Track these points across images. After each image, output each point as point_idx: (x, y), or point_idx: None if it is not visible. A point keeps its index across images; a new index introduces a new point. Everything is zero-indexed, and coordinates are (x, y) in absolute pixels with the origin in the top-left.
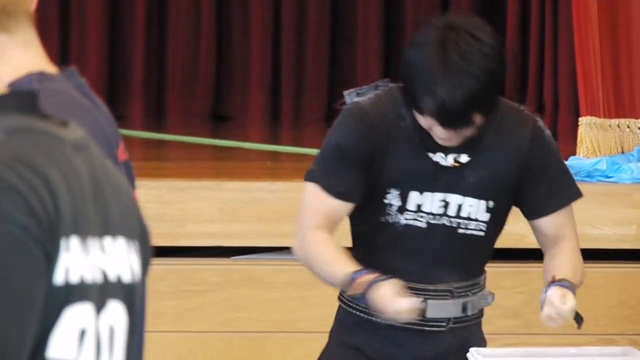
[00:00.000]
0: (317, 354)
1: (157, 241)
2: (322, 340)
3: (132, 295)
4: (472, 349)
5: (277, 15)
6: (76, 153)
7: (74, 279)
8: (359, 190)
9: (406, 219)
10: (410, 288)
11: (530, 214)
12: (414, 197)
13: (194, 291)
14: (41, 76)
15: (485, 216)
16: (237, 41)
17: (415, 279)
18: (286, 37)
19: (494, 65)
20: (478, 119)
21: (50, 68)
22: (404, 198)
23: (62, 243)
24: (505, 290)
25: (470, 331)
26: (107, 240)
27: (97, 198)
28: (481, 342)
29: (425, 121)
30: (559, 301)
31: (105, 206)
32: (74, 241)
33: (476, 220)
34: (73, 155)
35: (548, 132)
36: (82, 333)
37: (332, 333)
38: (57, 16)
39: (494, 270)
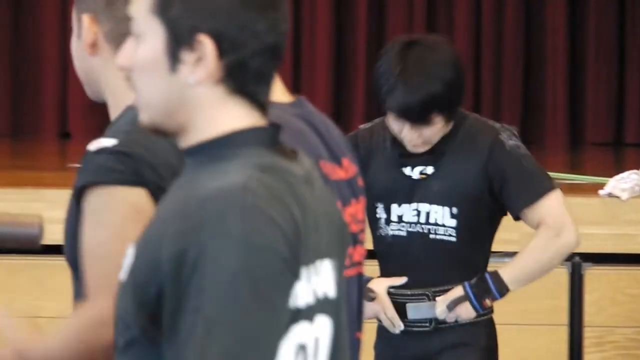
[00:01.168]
0: None
1: None
2: None
3: (338, 309)
4: None
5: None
6: (305, 187)
7: (300, 303)
8: None
9: (392, 230)
10: (393, 294)
11: (511, 214)
12: (395, 209)
13: None
14: (254, 134)
15: (452, 222)
16: None
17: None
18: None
19: (447, 73)
20: (438, 120)
21: (285, 98)
22: (387, 211)
23: (300, 272)
24: None
25: (463, 331)
26: (318, 263)
27: (316, 227)
28: (479, 340)
29: (395, 125)
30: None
31: (320, 233)
32: (303, 270)
33: (443, 225)
34: (303, 189)
35: (512, 142)
36: (301, 347)
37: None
38: (291, 53)
39: None
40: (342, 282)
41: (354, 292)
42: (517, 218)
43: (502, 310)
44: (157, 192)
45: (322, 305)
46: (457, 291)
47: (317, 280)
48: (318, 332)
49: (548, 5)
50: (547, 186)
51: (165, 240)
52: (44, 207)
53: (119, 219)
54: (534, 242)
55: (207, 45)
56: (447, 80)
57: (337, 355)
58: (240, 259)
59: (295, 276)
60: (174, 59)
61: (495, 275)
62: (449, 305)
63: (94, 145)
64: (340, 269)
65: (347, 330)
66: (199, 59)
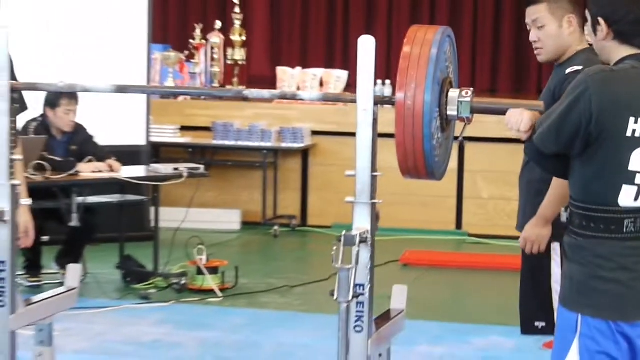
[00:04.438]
0: None
1: None
2: None
3: None
4: None
5: None
6: None
7: (638, 134)
8: None
9: None
10: None
11: None
12: None
13: None
14: (634, 57)
15: None
16: None
17: None
18: None
19: None
20: None
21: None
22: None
23: (618, 121)
24: None
25: None
26: None
27: None
28: None
29: None
30: None
31: None
32: (631, 119)
33: None
34: None
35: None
36: None
37: None
38: None
39: None
40: None
41: None
42: None
43: None
44: None
45: None
46: None
47: None
48: None
49: None
50: None
51: None
52: None
53: None
54: None
55: (602, 23)
56: None
57: None
58: (571, 94)
59: (589, 121)
60: (594, 29)
61: None
62: None
63: (568, 70)
64: None
65: None
66: (601, 29)
